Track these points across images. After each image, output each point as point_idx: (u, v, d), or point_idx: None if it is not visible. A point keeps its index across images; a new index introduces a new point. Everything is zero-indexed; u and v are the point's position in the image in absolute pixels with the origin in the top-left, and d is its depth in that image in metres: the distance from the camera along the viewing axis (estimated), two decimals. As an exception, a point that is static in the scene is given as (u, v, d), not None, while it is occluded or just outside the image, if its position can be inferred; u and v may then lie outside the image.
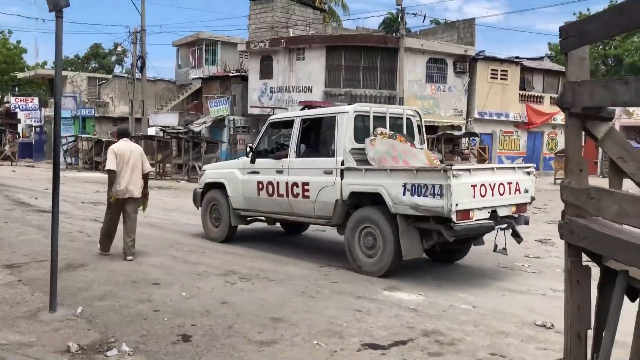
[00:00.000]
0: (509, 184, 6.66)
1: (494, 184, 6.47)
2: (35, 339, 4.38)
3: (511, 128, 27.36)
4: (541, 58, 31.00)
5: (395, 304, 5.63)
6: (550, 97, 27.22)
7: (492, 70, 26.10)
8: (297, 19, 28.16)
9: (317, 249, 8.84)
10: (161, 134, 27.39)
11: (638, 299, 2.39)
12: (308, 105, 10.09)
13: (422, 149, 8.05)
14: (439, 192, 6.03)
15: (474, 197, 6.23)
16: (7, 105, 42.86)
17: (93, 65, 54.97)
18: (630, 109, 27.76)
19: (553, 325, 4.93)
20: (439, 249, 7.15)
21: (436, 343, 4.54)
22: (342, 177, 7.13)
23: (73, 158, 31.69)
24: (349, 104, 8.99)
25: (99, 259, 7.44)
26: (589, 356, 2.57)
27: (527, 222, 7.14)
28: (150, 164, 29.24)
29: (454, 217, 6.02)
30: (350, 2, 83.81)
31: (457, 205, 5.98)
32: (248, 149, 8.60)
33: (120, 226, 7.61)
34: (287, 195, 7.78)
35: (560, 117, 25.05)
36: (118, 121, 36.76)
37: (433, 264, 7.67)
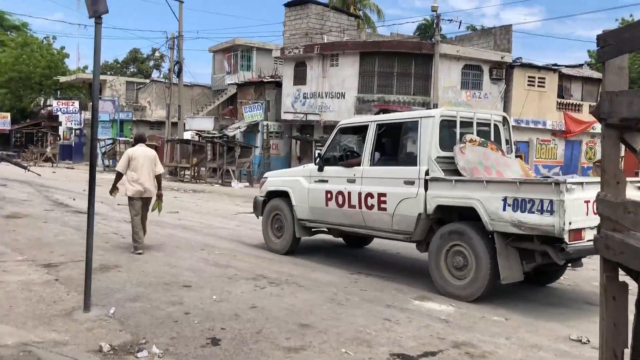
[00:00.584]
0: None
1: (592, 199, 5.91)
2: (70, 338, 4.48)
3: (548, 136, 26.80)
4: (580, 65, 30.30)
5: (426, 314, 5.56)
6: (589, 106, 26.54)
7: (529, 77, 25.63)
8: (332, 25, 28.26)
9: (347, 255, 8.81)
10: (197, 138, 27.87)
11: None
12: (383, 109, 9.59)
13: (511, 157, 7.41)
14: (549, 209, 5.36)
15: (587, 214, 5.49)
16: (49, 108, 44.32)
17: (132, 69, 56.25)
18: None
19: (589, 341, 4.79)
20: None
21: (467, 355, 4.46)
22: (426, 189, 6.50)
23: (111, 160, 32.46)
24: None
25: (133, 260, 7.58)
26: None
27: None
28: (185, 167, 29.44)
29: (566, 237, 5.32)
30: (385, 8, 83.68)
31: (570, 223, 5.30)
32: (316, 156, 8.07)
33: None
34: (360, 207, 7.21)
35: (599, 126, 24.40)
36: (155, 125, 37.59)
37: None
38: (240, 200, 17.53)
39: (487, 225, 5.84)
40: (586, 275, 7.59)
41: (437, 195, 6.38)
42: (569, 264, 6.34)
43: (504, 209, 5.69)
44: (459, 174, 6.43)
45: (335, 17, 28.90)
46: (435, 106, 22.63)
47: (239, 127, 27.76)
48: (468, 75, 24.72)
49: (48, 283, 6.16)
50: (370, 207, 7.08)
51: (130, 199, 8.18)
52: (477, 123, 7.07)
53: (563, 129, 26.83)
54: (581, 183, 5.63)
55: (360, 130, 7.93)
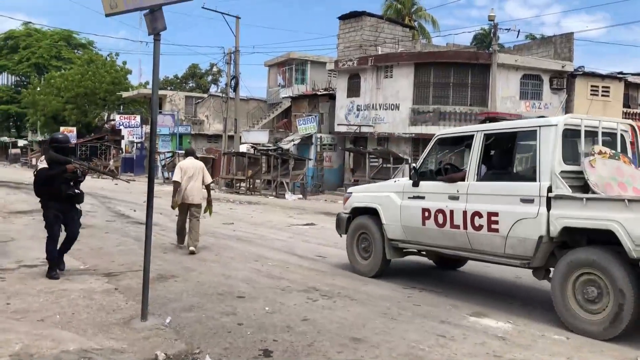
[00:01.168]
0: None
1: None
2: (127, 346, 4.60)
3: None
4: (648, 73, 28.96)
5: (482, 331, 5.39)
6: (658, 115, 25.32)
7: (592, 86, 24.71)
8: (386, 37, 28.21)
9: (400, 269, 8.68)
10: (252, 150, 28.33)
11: None
12: (490, 118, 8.78)
13: None
14: None
15: None
16: (112, 122, 46.23)
17: (190, 84, 58.01)
18: None
19: (658, 364, 4.51)
20: None
21: (525, 375, 4.29)
22: (548, 208, 5.69)
23: (170, 173, 33.43)
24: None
25: (189, 270, 7.75)
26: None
27: None
28: (241, 180, 29.87)
29: None
30: (440, 18, 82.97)
31: None
32: (411, 169, 7.49)
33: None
34: (465, 227, 6.40)
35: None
36: (212, 138, 38.51)
37: (519, 288, 7.29)
38: (294, 212, 17.65)
39: (631, 252, 5.00)
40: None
41: (563, 216, 5.55)
42: None
43: None
44: (586, 191, 5.70)
45: (389, 28, 28.85)
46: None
47: (293, 140, 28.04)
48: (527, 85, 24.08)
49: (108, 292, 6.38)
50: (478, 228, 6.27)
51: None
52: (602, 133, 6.19)
53: (631, 140, 25.66)
54: None
55: (462, 141, 7.18)
